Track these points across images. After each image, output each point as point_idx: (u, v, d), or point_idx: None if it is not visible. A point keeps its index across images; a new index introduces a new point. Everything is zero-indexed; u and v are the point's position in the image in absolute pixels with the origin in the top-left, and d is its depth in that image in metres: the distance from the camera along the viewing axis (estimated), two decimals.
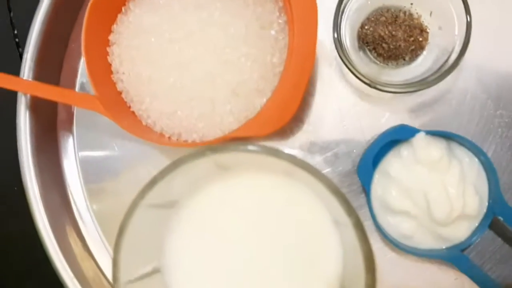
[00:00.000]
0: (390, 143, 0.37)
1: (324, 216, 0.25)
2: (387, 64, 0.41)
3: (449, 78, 0.41)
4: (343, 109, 0.42)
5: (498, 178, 0.35)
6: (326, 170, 0.41)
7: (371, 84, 0.37)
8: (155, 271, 0.26)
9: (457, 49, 0.37)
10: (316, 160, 0.42)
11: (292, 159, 0.23)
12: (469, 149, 0.37)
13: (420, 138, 0.36)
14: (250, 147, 0.23)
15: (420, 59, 0.41)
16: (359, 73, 0.37)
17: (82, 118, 0.45)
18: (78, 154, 0.44)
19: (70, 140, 0.45)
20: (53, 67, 0.44)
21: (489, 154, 0.40)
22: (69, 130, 0.45)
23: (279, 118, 0.34)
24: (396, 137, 0.36)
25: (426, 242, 0.37)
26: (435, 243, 0.37)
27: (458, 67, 0.41)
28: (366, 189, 0.37)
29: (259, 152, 0.23)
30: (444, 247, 0.36)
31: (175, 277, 0.27)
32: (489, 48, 0.41)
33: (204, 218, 0.27)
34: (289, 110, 0.34)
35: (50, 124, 0.45)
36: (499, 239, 0.40)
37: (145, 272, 0.25)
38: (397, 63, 0.40)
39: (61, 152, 0.45)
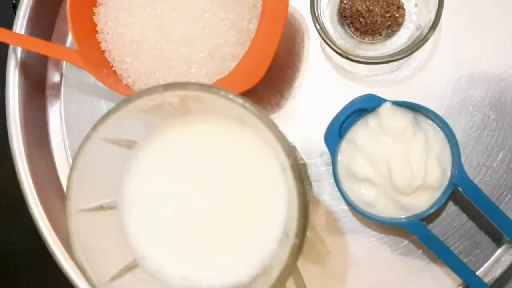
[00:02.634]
0: (359, 113, 0.37)
1: (273, 163, 0.26)
2: (363, 39, 0.41)
3: (424, 56, 0.42)
4: (320, 82, 0.43)
5: (460, 150, 0.36)
6: (304, 141, 0.42)
7: (343, 54, 0.38)
8: (111, 207, 0.27)
9: (430, 25, 0.37)
10: (295, 130, 0.43)
11: (234, 99, 0.23)
12: (434, 122, 0.37)
13: (386, 108, 0.36)
14: (199, 86, 0.24)
15: (396, 35, 0.41)
16: (332, 43, 0.38)
17: (71, 80, 0.46)
18: (63, 114, 0.46)
19: (58, 101, 0.46)
20: (45, 27, 0.45)
21: (459, 131, 0.40)
22: (58, 90, 0.46)
23: (248, 79, 0.35)
24: (363, 106, 0.36)
25: (388, 210, 0.37)
26: (397, 212, 0.37)
27: (435, 46, 0.42)
28: (331, 156, 0.37)
29: (205, 90, 0.23)
30: (404, 216, 0.37)
31: (131, 215, 0.28)
32: (465, 29, 0.41)
33: (162, 160, 0.28)
34: (258, 72, 0.35)
35: (39, 84, 0.46)
36: (464, 215, 0.40)
37: (99, 205, 0.26)
38: (373, 38, 0.41)
39: (48, 112, 0.46)
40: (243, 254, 0.27)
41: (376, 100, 0.36)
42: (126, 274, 0.26)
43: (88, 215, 0.25)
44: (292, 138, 0.43)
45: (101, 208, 0.27)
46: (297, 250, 0.22)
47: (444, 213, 0.41)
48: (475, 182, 0.40)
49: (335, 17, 0.42)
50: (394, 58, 0.37)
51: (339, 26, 0.42)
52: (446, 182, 0.36)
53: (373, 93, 0.37)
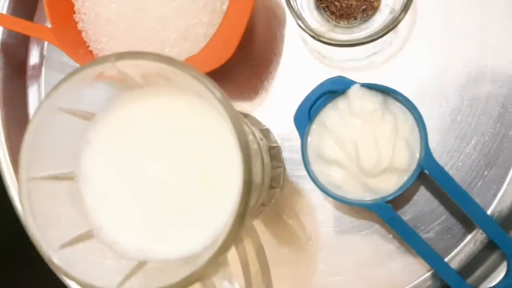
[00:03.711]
0: (329, 95, 0.37)
1: (228, 137, 0.26)
2: (338, 23, 0.41)
3: (400, 42, 0.42)
4: (297, 66, 0.43)
5: (428, 134, 0.35)
6: (280, 125, 0.42)
7: (315, 36, 0.38)
8: (68, 177, 0.27)
9: (402, 8, 0.37)
10: (271, 114, 0.43)
11: (187, 69, 0.23)
12: (404, 104, 0.37)
13: (355, 90, 0.36)
14: (153, 55, 0.24)
15: (372, 19, 0.41)
16: (304, 25, 0.38)
17: (52, 61, 0.46)
18: (43, 95, 0.46)
19: (38, 82, 0.46)
20: (27, 7, 0.45)
21: (432, 117, 0.40)
22: (38, 71, 0.46)
23: (217, 58, 0.35)
24: (332, 88, 0.36)
25: (355, 192, 0.37)
26: (364, 194, 0.36)
27: (409, 31, 0.42)
28: (301, 137, 0.37)
29: (159, 60, 0.23)
30: (372, 199, 0.36)
31: (89, 186, 0.28)
32: (441, 14, 0.41)
33: (120, 132, 0.27)
34: (227, 51, 0.35)
35: (20, 64, 0.46)
36: (436, 200, 0.40)
37: (54, 175, 0.26)
38: (348, 22, 0.41)
39: (28, 92, 0.46)
40: (199, 226, 0.27)
41: (345, 82, 0.36)
42: (80, 243, 0.26)
43: (42, 183, 0.25)
44: (268, 122, 0.43)
45: (56, 178, 0.27)
46: (239, 219, 0.22)
47: (415, 198, 0.40)
48: (448, 167, 0.39)
49: (312, 1, 0.41)
50: (365, 41, 0.37)
51: (315, 9, 0.42)
52: (414, 165, 0.36)
53: (349, 77, 0.37)
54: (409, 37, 0.41)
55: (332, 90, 0.36)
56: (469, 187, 0.39)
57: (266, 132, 0.41)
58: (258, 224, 0.43)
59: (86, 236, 0.27)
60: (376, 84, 0.36)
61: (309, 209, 0.43)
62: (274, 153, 0.40)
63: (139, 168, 0.27)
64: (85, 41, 0.41)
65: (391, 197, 0.35)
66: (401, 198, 0.40)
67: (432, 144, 0.39)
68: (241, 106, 0.43)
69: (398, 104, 0.37)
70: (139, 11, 0.38)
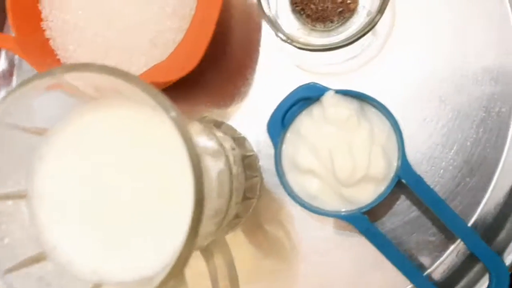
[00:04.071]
0: (304, 102, 0.36)
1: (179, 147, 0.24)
2: (315, 26, 0.40)
3: (380, 46, 0.40)
4: (274, 72, 0.42)
5: (404, 141, 0.34)
6: (257, 132, 0.41)
7: (287, 40, 0.36)
8: (20, 195, 0.26)
9: (377, 9, 0.36)
10: (247, 121, 0.42)
11: (134, 81, 0.22)
12: (381, 111, 0.35)
13: (329, 96, 0.34)
14: (99, 67, 0.22)
15: (350, 22, 0.39)
16: (277, 29, 0.36)
17: (25, 70, 0.45)
18: None
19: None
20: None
21: (412, 123, 0.39)
22: (9, 80, 0.45)
23: (184, 65, 0.33)
24: (306, 94, 0.35)
25: (332, 203, 0.35)
26: (340, 205, 0.35)
27: (390, 37, 0.40)
28: (274, 146, 0.35)
29: (105, 72, 0.22)
30: (348, 209, 0.35)
31: (42, 204, 0.26)
32: (420, 18, 0.39)
33: (73, 147, 0.26)
34: (194, 58, 0.33)
35: None
36: (417, 210, 0.38)
37: (3, 193, 0.25)
38: (325, 26, 0.39)
39: None
40: (155, 245, 0.25)
41: (319, 89, 0.35)
42: (30, 266, 0.25)
43: None
44: (244, 129, 0.41)
45: (7, 197, 0.25)
46: (191, 238, 0.21)
47: (395, 207, 0.39)
48: (429, 175, 0.38)
49: (289, 5, 0.40)
50: (340, 45, 0.35)
51: (292, 13, 0.40)
52: (392, 174, 0.34)
53: (328, 82, 0.36)
54: (387, 40, 0.40)
55: (306, 97, 0.35)
56: (452, 195, 0.38)
57: (241, 141, 0.40)
58: (237, 236, 0.42)
59: (37, 259, 0.25)
60: (351, 91, 0.35)
61: (290, 219, 0.42)
62: (250, 162, 0.39)
63: (94, 185, 0.26)
64: (53, 50, 0.39)
65: (367, 208, 0.34)
66: (380, 207, 0.39)
67: (412, 151, 0.38)
68: (217, 113, 0.42)
69: (374, 110, 0.35)
70: (107, 18, 0.37)
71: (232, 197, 0.31)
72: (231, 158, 0.32)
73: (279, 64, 0.41)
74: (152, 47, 0.36)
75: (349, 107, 0.34)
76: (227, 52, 0.42)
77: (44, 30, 0.39)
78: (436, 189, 0.38)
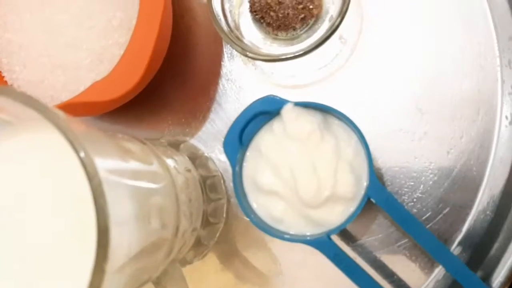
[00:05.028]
0: (264, 117, 0.33)
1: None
2: (277, 35, 0.37)
3: (345, 57, 0.37)
4: (239, 87, 0.39)
5: (371, 156, 0.30)
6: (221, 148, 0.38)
7: (242, 52, 0.33)
8: None
9: (338, 13, 0.33)
10: (211, 139, 0.39)
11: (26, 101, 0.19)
12: (346, 124, 0.32)
13: (288, 110, 0.31)
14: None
15: (314, 29, 0.36)
16: (231, 40, 0.34)
17: None
18: None
19: None
20: None
21: (388, 136, 0.35)
22: None
23: (126, 81, 0.30)
24: (264, 108, 0.32)
25: (298, 226, 0.32)
26: (307, 228, 0.32)
27: (357, 46, 0.37)
28: (231, 166, 0.32)
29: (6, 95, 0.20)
30: (318, 232, 0.32)
31: None
32: (390, 25, 0.36)
33: None
34: (135, 73, 0.30)
35: None
36: (397, 229, 0.35)
37: None
38: (287, 33, 0.36)
39: None
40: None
41: (277, 102, 0.32)
42: None
43: None
44: (208, 149, 0.38)
45: None
46: (96, 274, 0.18)
47: (374, 227, 0.36)
48: (405, 191, 0.35)
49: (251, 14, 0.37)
50: (299, 53, 0.33)
51: (252, 22, 0.37)
52: (362, 193, 0.31)
53: (296, 96, 0.33)
54: (356, 48, 0.37)
55: (264, 111, 0.32)
56: (433, 213, 0.34)
57: (203, 160, 0.37)
58: (210, 262, 0.38)
59: None
60: (311, 102, 0.32)
61: (269, 241, 0.38)
62: (213, 183, 0.36)
63: (11, 218, 0.23)
64: (0, 72, 0.37)
65: (335, 231, 0.31)
66: (356, 228, 0.35)
67: (388, 165, 0.35)
68: (179, 131, 0.39)
69: (340, 123, 0.32)
70: (52, 36, 0.35)
71: (180, 225, 0.28)
72: (179, 182, 0.29)
73: (245, 77, 0.39)
74: (99, 64, 0.34)
75: (311, 120, 0.31)
76: (189, 68, 0.39)
77: None
78: (417, 206, 0.35)
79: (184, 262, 0.35)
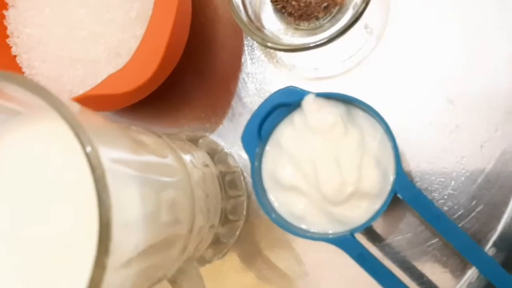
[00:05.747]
0: (284, 110, 0.31)
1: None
2: (299, 25, 0.35)
3: (371, 47, 0.35)
4: (262, 80, 0.37)
5: (398, 149, 0.29)
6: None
7: (262, 42, 0.32)
8: None
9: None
10: (231, 135, 0.38)
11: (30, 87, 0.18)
12: (372, 116, 0.30)
13: (309, 101, 0.30)
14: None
15: (337, 18, 0.35)
16: (250, 30, 0.32)
17: None
18: None
19: None
20: None
21: (418, 130, 0.33)
22: None
23: (140, 73, 0.30)
24: (284, 100, 0.30)
25: (320, 224, 0.30)
26: (330, 226, 0.30)
27: (383, 35, 0.35)
28: (250, 161, 0.31)
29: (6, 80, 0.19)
30: (341, 231, 0.30)
31: None
32: (418, 15, 0.34)
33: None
34: (151, 65, 0.29)
35: None
36: (426, 227, 0.33)
37: None
38: (309, 23, 0.35)
39: None
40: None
41: (298, 93, 0.30)
42: None
43: None
44: (228, 144, 0.37)
45: None
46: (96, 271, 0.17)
47: (402, 225, 0.34)
48: (436, 187, 0.33)
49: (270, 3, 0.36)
50: (321, 42, 0.31)
51: (274, 12, 0.36)
52: (388, 189, 0.29)
53: (319, 88, 0.31)
54: (382, 37, 0.35)
55: (284, 103, 0.31)
56: (466, 211, 0.32)
57: (222, 156, 0.35)
58: (231, 261, 0.37)
59: None
60: (335, 93, 0.30)
61: (293, 240, 0.37)
62: (232, 179, 0.35)
63: (21, 210, 0.23)
64: (20, 67, 0.37)
65: (359, 229, 0.29)
66: (383, 226, 0.34)
67: (417, 160, 0.33)
68: (199, 126, 0.38)
69: (365, 115, 0.30)
70: (70, 30, 0.34)
71: (195, 221, 0.27)
72: (196, 177, 0.28)
73: (266, 71, 0.37)
74: (116, 57, 0.33)
75: (334, 112, 0.30)
76: (209, 61, 0.38)
77: (10, 47, 0.37)
78: (448, 204, 0.33)
79: (203, 260, 0.34)
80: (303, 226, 0.31)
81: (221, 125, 0.38)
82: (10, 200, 0.23)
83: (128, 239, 0.19)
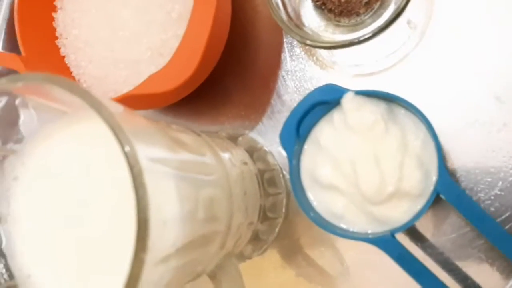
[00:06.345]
0: (324, 108, 0.31)
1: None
2: (339, 22, 0.35)
3: (414, 43, 0.34)
4: (300, 77, 0.37)
5: (441, 148, 0.28)
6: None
7: (300, 40, 0.32)
8: None
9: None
10: (271, 133, 0.38)
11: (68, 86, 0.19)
12: (414, 114, 0.29)
13: (348, 99, 0.29)
14: (33, 76, 0.20)
15: (378, 14, 0.34)
16: (287, 27, 0.32)
17: None
18: None
19: None
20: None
21: (463, 129, 0.32)
22: None
23: (180, 72, 0.30)
24: (323, 98, 0.30)
25: (360, 223, 0.30)
26: (370, 225, 0.30)
27: (424, 34, 0.34)
28: (289, 159, 0.31)
29: (44, 80, 0.20)
30: (381, 231, 0.29)
31: (17, 229, 0.24)
32: (463, 14, 0.33)
33: (46, 166, 0.24)
34: (190, 64, 0.30)
35: None
36: (470, 228, 0.32)
37: None
38: (349, 19, 0.34)
39: None
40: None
41: (337, 91, 0.30)
42: None
43: None
44: (268, 142, 0.37)
45: None
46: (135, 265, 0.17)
47: (445, 226, 0.33)
48: (484, 189, 0.31)
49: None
50: (362, 39, 0.30)
51: (314, 9, 0.36)
52: (431, 189, 0.28)
53: (360, 85, 0.31)
54: (426, 32, 0.34)
55: (323, 101, 0.30)
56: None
57: (262, 154, 0.36)
58: (271, 258, 0.37)
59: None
60: (375, 91, 0.29)
61: (330, 239, 0.36)
62: (271, 177, 0.35)
63: (65, 206, 0.24)
64: (68, 67, 0.38)
65: (400, 229, 0.28)
66: (426, 226, 0.33)
67: (462, 160, 0.32)
68: (239, 123, 0.38)
69: (407, 113, 0.30)
70: (114, 31, 0.35)
71: (233, 219, 0.27)
72: (234, 175, 0.28)
73: (306, 68, 0.37)
74: (159, 57, 0.34)
75: (374, 110, 0.29)
76: (248, 59, 0.39)
77: (59, 48, 0.38)
78: (494, 205, 0.31)
79: (242, 256, 0.34)
80: (342, 225, 0.30)
81: (260, 123, 0.38)
82: (55, 199, 0.24)
83: (166, 236, 0.20)
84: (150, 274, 0.18)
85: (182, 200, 0.21)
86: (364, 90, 0.29)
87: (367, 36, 0.30)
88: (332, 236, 0.35)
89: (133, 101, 0.32)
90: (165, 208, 0.20)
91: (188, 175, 0.23)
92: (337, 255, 0.36)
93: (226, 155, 0.29)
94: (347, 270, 0.36)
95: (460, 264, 0.32)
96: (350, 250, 0.35)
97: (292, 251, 0.37)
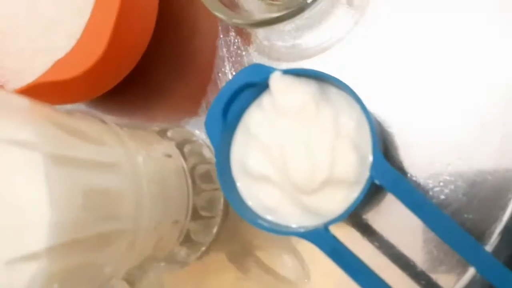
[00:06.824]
0: (253, 91, 0.28)
1: None
2: (272, 0, 0.32)
3: (352, 23, 0.32)
4: (238, 62, 0.34)
5: (375, 128, 0.25)
6: None
7: (227, 19, 0.29)
8: None
9: None
10: None
11: None
12: (349, 95, 0.26)
13: (276, 79, 0.26)
14: None
15: None
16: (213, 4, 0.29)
17: None
18: None
19: None
20: None
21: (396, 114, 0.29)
22: None
23: (87, 56, 0.27)
24: (249, 79, 0.27)
25: (293, 216, 0.27)
26: (305, 219, 0.26)
27: (364, 12, 0.31)
28: (214, 148, 0.28)
29: None
30: (316, 223, 0.26)
31: None
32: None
33: None
34: (97, 47, 0.27)
35: None
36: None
37: None
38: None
39: None
40: None
41: (265, 71, 0.27)
42: None
43: None
44: (205, 135, 0.34)
45: None
46: None
47: (393, 218, 0.30)
48: (429, 176, 0.28)
49: None
50: (286, 15, 0.27)
51: None
52: (367, 174, 0.25)
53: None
54: (365, 12, 0.31)
55: (251, 83, 0.27)
56: (467, 199, 0.28)
57: (196, 147, 0.33)
58: (212, 262, 0.34)
59: None
60: (305, 69, 0.26)
61: (288, 239, 0.33)
62: (206, 172, 0.32)
63: None
64: None
65: (334, 221, 0.25)
66: (369, 217, 0.30)
67: (404, 147, 0.29)
68: (176, 116, 0.35)
69: (341, 93, 0.27)
70: (31, 20, 0.33)
71: (142, 216, 0.24)
72: (149, 168, 0.25)
73: (244, 54, 0.34)
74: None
75: (304, 90, 0.26)
76: (182, 48, 0.36)
77: None
78: (444, 192, 0.28)
79: (175, 261, 0.31)
80: (274, 219, 0.27)
81: (196, 115, 0.35)
82: None
83: (26, 233, 0.16)
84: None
85: (54, 192, 0.18)
86: (292, 69, 0.26)
87: (291, 11, 0.27)
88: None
89: (44, 91, 0.29)
90: (23, 197, 0.16)
91: (70, 163, 0.19)
92: (298, 256, 0.33)
93: (138, 147, 0.26)
94: (308, 275, 0.33)
95: (409, 260, 0.29)
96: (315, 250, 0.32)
97: (238, 254, 0.34)
